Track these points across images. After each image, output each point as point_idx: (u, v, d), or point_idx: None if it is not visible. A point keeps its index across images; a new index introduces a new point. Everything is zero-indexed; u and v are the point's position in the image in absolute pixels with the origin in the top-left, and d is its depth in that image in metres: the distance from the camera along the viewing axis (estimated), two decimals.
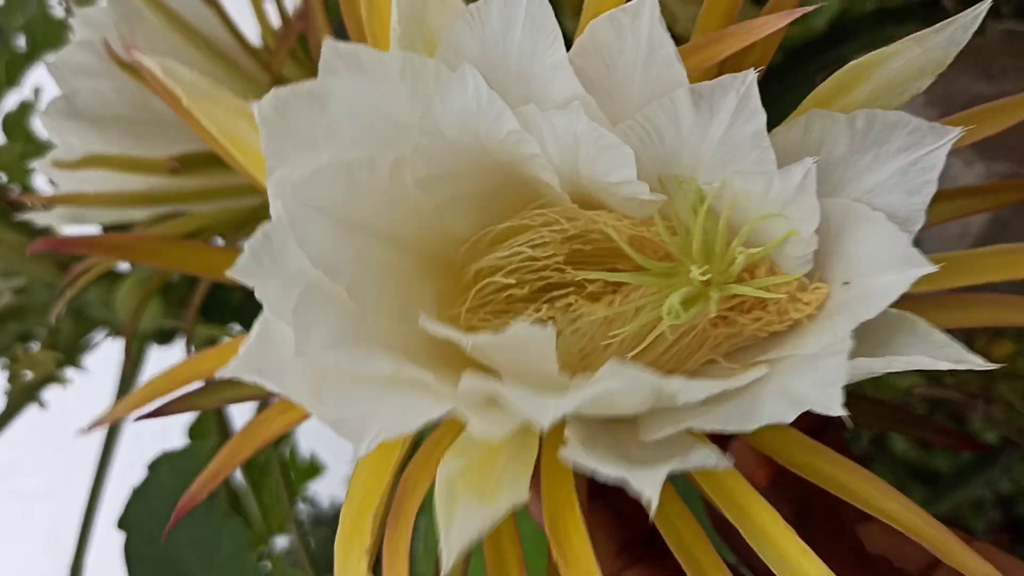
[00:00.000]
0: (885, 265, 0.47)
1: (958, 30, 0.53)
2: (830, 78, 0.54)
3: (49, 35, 1.50)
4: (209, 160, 0.94)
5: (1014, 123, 0.56)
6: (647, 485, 0.42)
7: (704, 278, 0.50)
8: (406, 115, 0.50)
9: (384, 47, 0.54)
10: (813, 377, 0.46)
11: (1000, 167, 1.12)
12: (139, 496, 1.23)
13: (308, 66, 1.01)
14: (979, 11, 0.52)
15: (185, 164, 0.92)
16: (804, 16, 0.57)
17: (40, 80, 1.45)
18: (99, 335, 1.37)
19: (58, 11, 1.50)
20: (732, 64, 0.55)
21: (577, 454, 0.45)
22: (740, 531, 0.51)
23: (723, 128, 0.48)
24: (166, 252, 0.64)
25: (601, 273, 0.53)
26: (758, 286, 0.50)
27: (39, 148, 1.36)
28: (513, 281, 0.55)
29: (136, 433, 1.41)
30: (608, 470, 0.43)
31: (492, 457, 0.48)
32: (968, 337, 1.79)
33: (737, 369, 0.52)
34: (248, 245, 0.47)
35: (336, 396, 0.46)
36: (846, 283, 0.49)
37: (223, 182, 0.98)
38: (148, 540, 1.21)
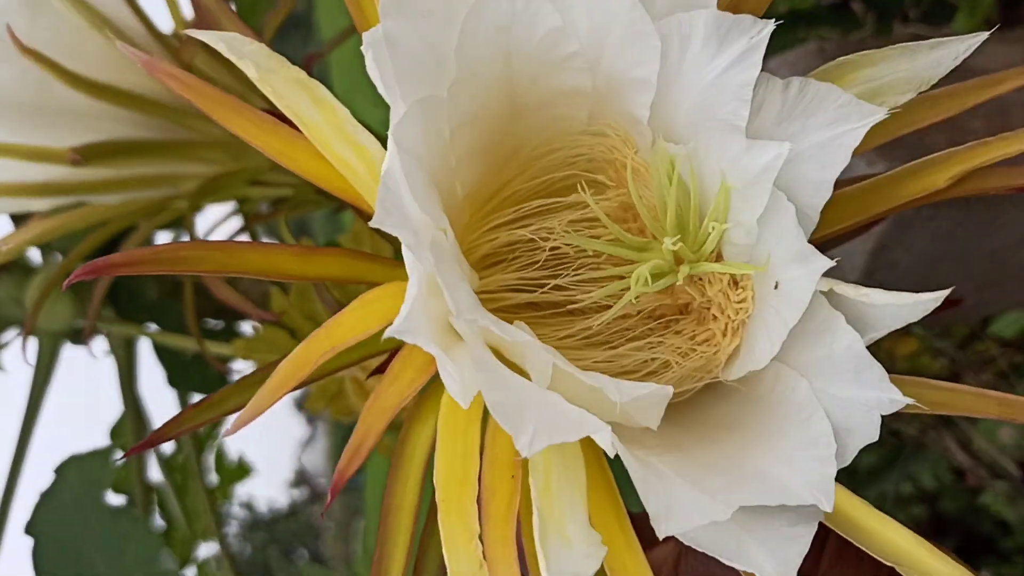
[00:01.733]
0: (791, 259, 0.48)
1: (947, 57, 0.54)
2: (820, 69, 0.54)
3: None
4: (114, 150, 0.92)
5: (958, 111, 0.58)
6: None
7: (675, 247, 0.50)
8: (448, 47, 0.49)
9: None
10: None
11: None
12: (47, 501, 1.20)
13: (221, 57, 0.98)
14: (975, 41, 0.53)
15: (88, 155, 0.88)
16: None
17: None
18: (11, 334, 1.33)
19: None
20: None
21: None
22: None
23: (721, 68, 0.48)
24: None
25: (580, 239, 0.54)
26: (728, 267, 0.51)
27: None
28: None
29: (58, 433, 1.39)
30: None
31: (548, 483, 0.49)
32: None
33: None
34: (378, 196, 0.45)
35: (484, 367, 0.45)
36: (776, 284, 0.50)
37: (128, 173, 0.95)
38: (56, 545, 1.18)
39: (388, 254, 1.00)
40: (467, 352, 0.46)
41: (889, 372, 0.51)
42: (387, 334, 0.43)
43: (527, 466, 0.49)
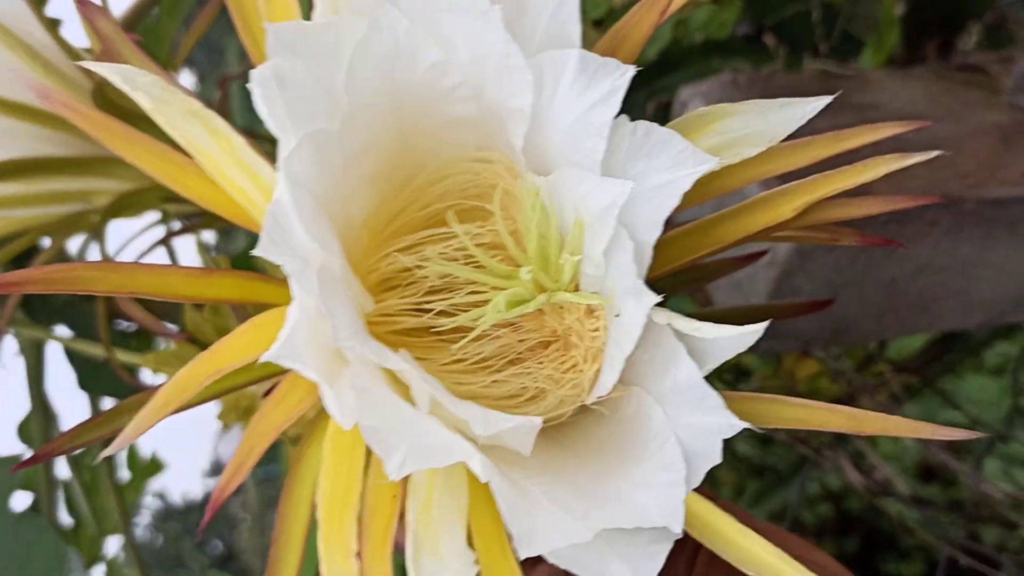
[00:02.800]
0: (628, 292, 0.51)
1: (795, 116, 0.57)
2: (685, 116, 0.58)
3: None
4: (24, 168, 0.92)
5: (811, 162, 0.61)
6: None
7: (529, 276, 0.53)
8: (338, 81, 0.51)
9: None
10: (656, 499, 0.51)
11: None
12: None
13: None
14: (818, 104, 0.57)
15: None
16: None
17: None
18: None
19: None
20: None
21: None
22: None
23: (587, 106, 0.51)
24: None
25: (453, 267, 0.56)
26: (579, 298, 0.54)
27: None
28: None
29: None
30: None
31: (428, 503, 0.51)
32: (778, 356, 1.91)
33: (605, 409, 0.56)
34: (263, 227, 0.47)
35: (361, 393, 0.47)
36: (617, 315, 0.52)
37: (40, 189, 0.96)
38: None
39: None
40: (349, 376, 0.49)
41: (789, 393, 0.55)
42: (263, 359, 0.45)
43: (407, 486, 0.51)
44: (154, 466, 1.70)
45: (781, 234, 0.63)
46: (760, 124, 0.57)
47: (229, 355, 0.51)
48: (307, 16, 0.54)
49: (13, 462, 1.24)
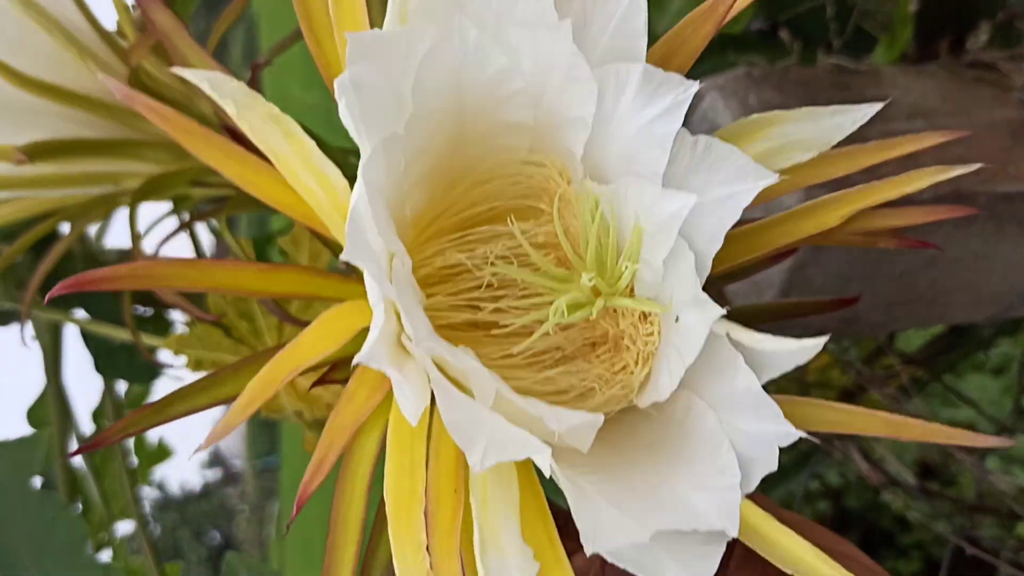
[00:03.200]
0: (689, 303, 0.52)
1: (847, 122, 0.59)
2: (738, 123, 0.59)
3: None
4: (59, 148, 0.92)
5: (858, 169, 0.62)
6: None
7: (591, 283, 0.54)
8: (406, 86, 0.52)
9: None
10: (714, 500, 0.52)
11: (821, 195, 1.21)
12: None
13: (166, 59, 0.98)
14: (869, 111, 0.58)
15: (34, 153, 0.88)
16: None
17: None
18: None
19: None
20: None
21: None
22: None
23: (650, 118, 0.52)
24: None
25: (509, 269, 0.57)
26: (638, 304, 0.55)
27: None
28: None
29: None
30: None
31: (486, 498, 0.52)
32: None
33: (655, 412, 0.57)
34: (347, 234, 0.47)
35: (439, 388, 0.49)
36: (676, 320, 0.54)
37: (72, 170, 0.96)
38: None
39: (327, 258, 1.02)
40: (415, 370, 0.50)
41: (800, 383, 0.56)
42: (356, 361, 0.46)
43: (468, 482, 0.52)
44: (162, 452, 1.70)
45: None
46: (812, 130, 0.59)
47: (307, 351, 0.53)
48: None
49: (30, 443, 1.25)
